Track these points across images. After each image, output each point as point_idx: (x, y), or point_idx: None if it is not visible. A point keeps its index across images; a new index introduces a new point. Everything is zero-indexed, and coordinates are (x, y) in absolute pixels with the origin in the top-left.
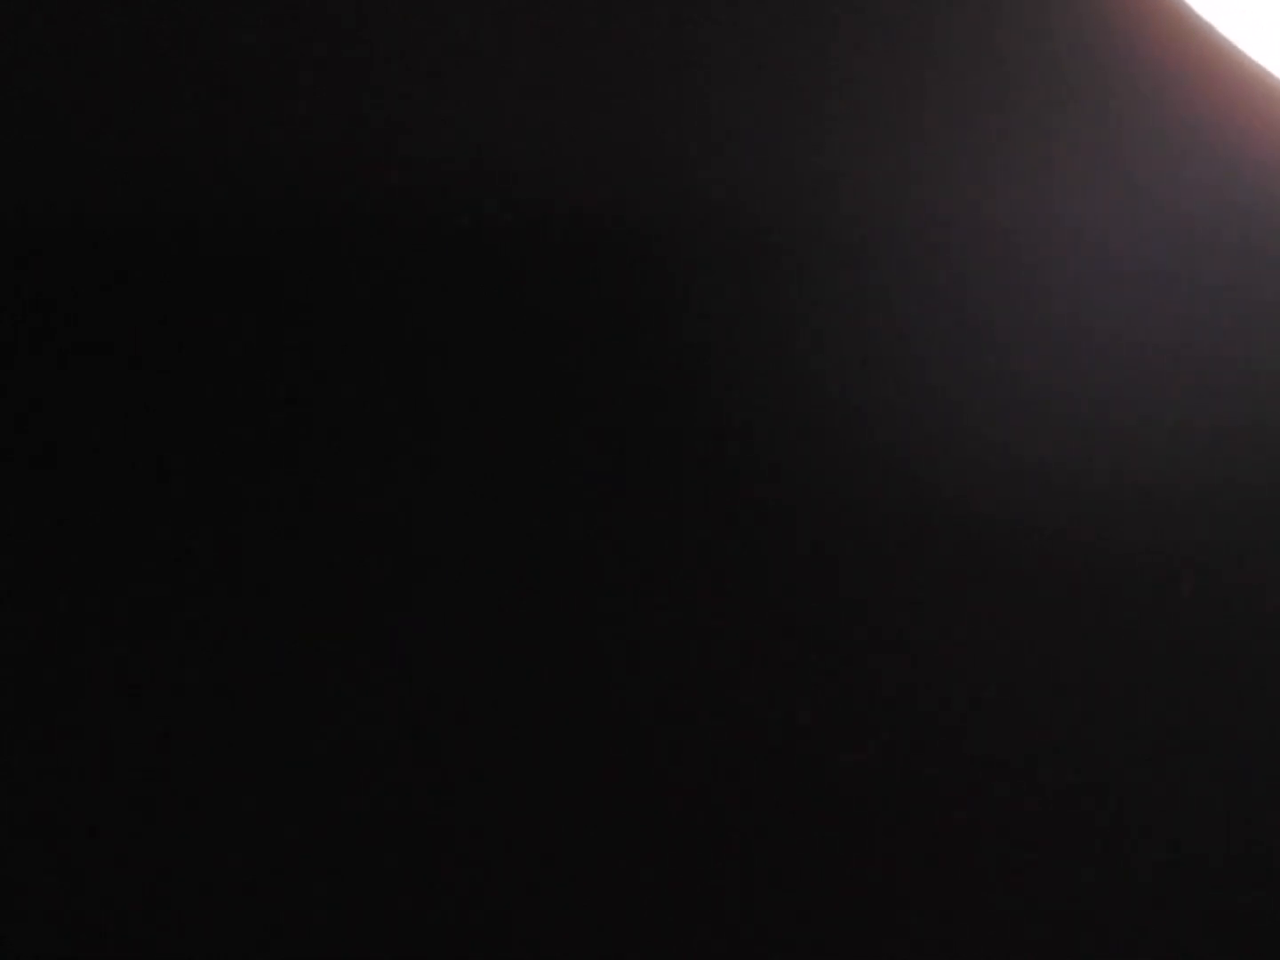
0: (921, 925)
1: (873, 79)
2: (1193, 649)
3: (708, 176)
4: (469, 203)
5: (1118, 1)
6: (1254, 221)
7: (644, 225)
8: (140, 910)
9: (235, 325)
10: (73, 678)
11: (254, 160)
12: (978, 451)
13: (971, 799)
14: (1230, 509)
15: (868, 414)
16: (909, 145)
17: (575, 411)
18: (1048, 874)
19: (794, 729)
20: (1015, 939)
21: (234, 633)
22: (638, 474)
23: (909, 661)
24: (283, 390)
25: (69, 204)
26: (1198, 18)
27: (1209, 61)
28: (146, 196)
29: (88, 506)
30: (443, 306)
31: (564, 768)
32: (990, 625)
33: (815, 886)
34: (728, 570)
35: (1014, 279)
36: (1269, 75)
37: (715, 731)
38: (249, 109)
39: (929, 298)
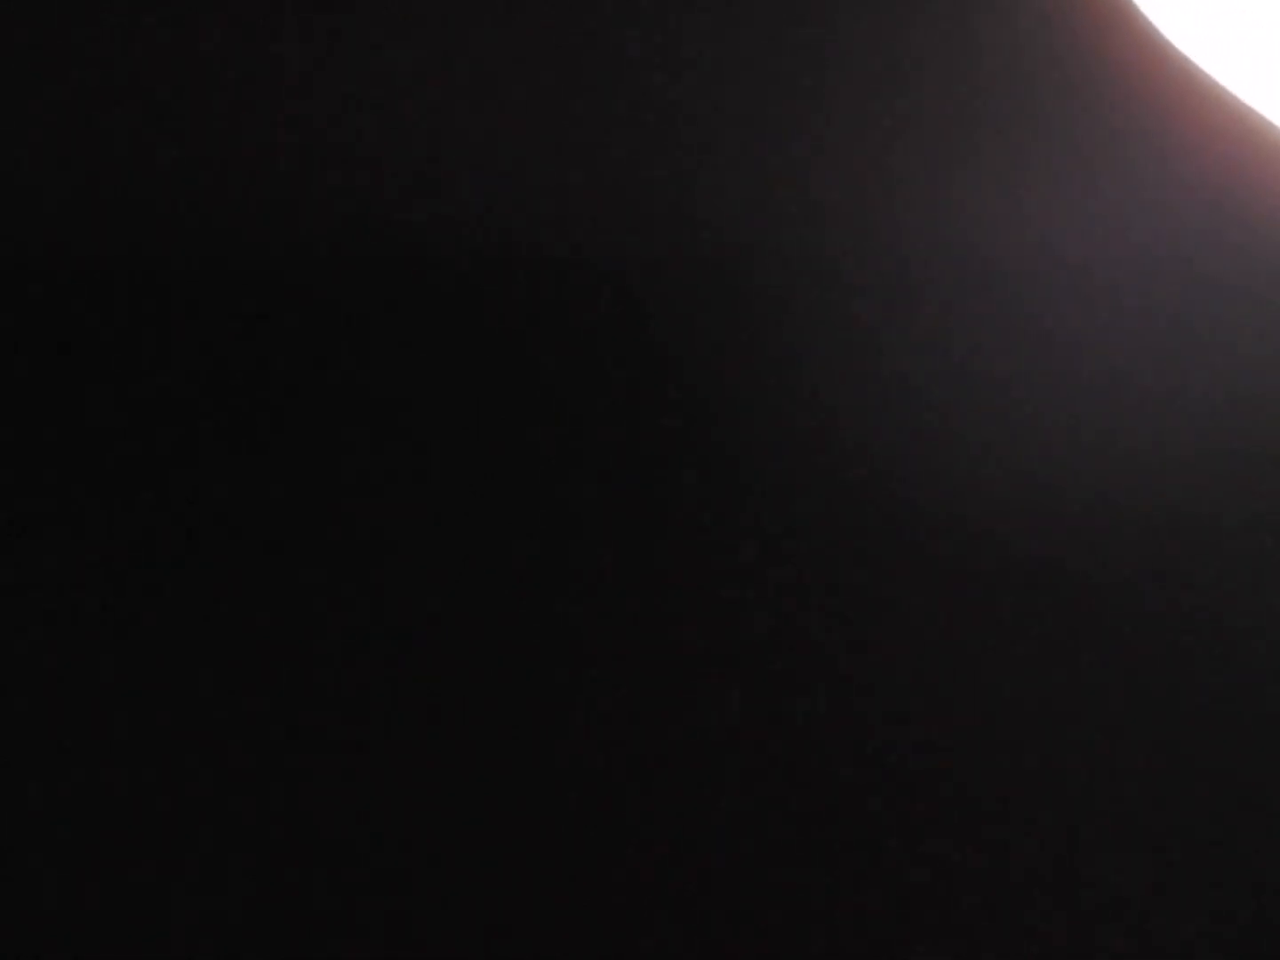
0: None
1: (855, 114)
2: (1181, 667)
3: (693, 212)
4: (466, 240)
5: (1095, 39)
6: (1229, 248)
7: (636, 260)
8: (138, 911)
9: (235, 357)
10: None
11: (262, 198)
12: (968, 474)
13: (964, 808)
14: (1219, 531)
15: (857, 438)
16: (894, 182)
17: (569, 439)
18: (1043, 881)
19: (785, 741)
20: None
21: (226, 639)
22: (631, 502)
23: (905, 681)
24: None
25: (68, 234)
26: (1173, 48)
27: (1184, 93)
28: (151, 228)
29: (81, 519)
30: (439, 338)
31: (549, 787)
32: (982, 641)
33: (799, 904)
34: (722, 593)
35: (998, 307)
36: (1245, 107)
37: (708, 749)
38: (253, 150)
39: (913, 324)
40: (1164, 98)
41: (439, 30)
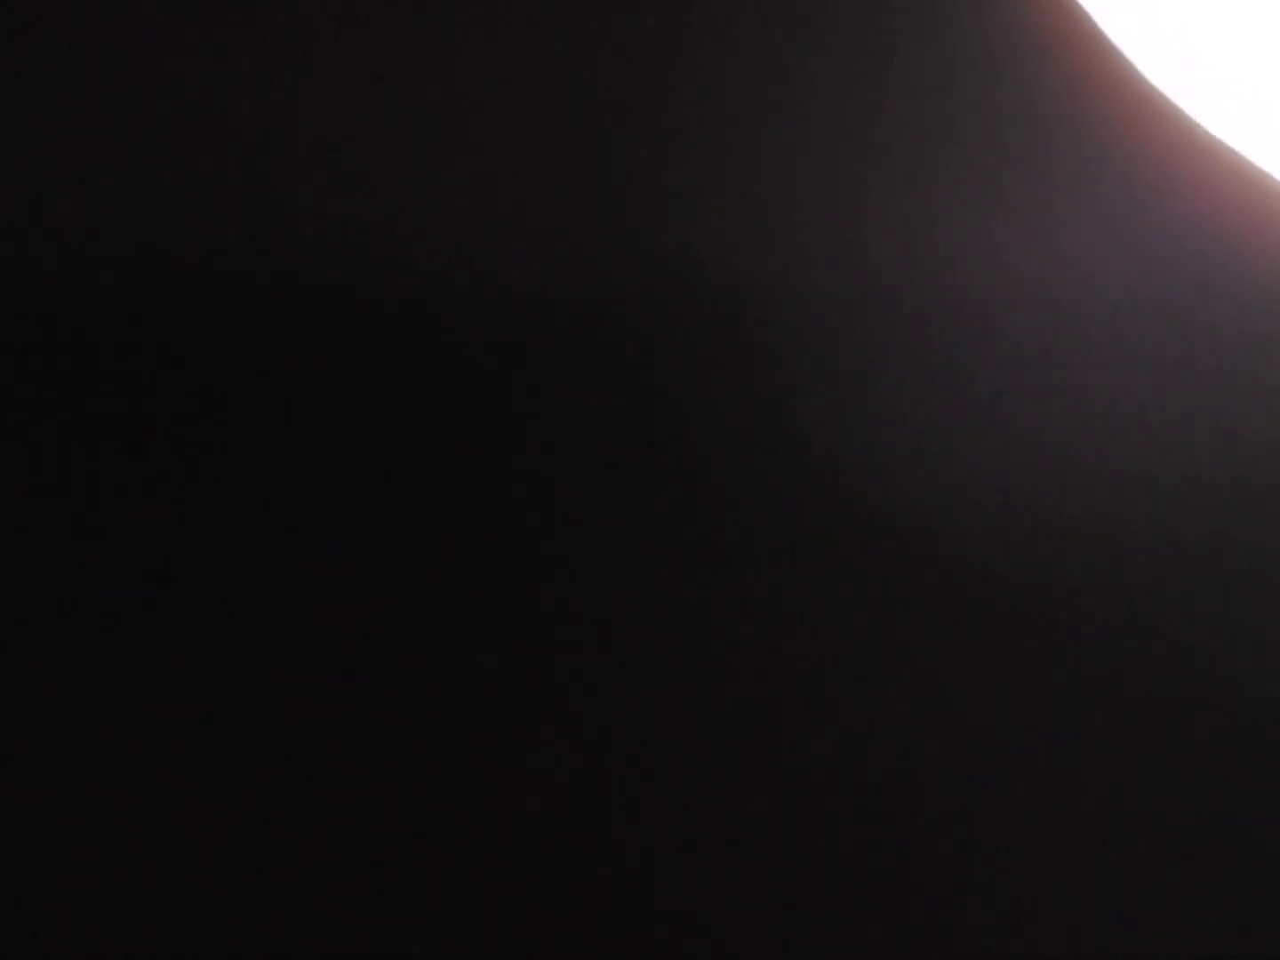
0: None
1: (836, 155)
2: (1171, 686)
3: (680, 255)
4: (450, 289)
5: (1072, 73)
6: (1209, 290)
7: (623, 305)
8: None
9: (226, 406)
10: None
11: (248, 249)
12: (952, 497)
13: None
14: (1202, 554)
15: (841, 460)
16: (878, 221)
17: (560, 484)
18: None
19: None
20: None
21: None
22: (621, 530)
23: (897, 710)
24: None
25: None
26: (1150, 85)
27: (1156, 124)
28: (135, 278)
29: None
30: (429, 387)
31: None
32: (980, 662)
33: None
34: (718, 636)
35: (983, 342)
36: (1225, 146)
37: (696, 772)
38: (239, 199)
39: (900, 360)
40: (1138, 130)
41: (415, 61)
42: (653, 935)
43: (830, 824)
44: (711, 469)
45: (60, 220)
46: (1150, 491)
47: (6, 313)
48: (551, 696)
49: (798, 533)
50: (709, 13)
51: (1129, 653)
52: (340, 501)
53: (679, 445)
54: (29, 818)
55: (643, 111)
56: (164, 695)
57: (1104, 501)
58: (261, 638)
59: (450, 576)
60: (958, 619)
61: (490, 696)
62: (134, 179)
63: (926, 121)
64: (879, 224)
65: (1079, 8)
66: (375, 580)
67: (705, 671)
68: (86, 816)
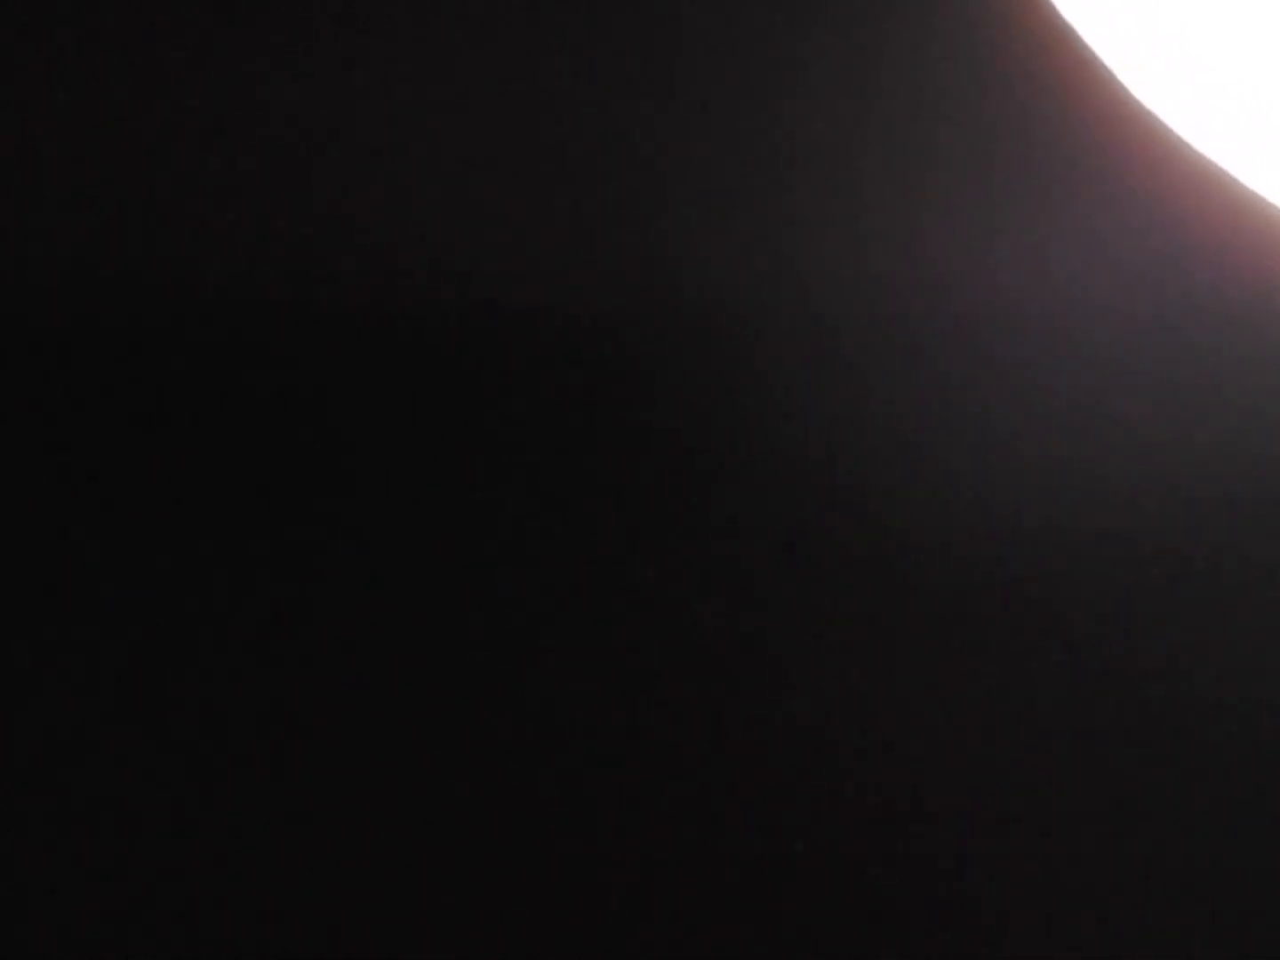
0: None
1: (828, 170)
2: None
3: (676, 273)
4: (445, 304)
5: (1063, 95)
6: (1198, 305)
7: (619, 322)
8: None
9: (224, 431)
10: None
11: (245, 269)
12: (952, 518)
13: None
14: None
15: (847, 494)
16: (868, 236)
17: (557, 502)
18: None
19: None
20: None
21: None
22: (619, 557)
23: (894, 729)
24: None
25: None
26: (1140, 105)
27: (1153, 151)
28: (134, 302)
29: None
30: (421, 405)
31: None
32: (965, 678)
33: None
34: (716, 652)
35: (974, 356)
36: (1211, 163)
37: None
38: (239, 217)
39: (890, 374)
40: (1125, 148)
41: (411, 66)
42: (652, 935)
43: (828, 826)
44: (705, 483)
45: (57, 223)
46: (1138, 504)
47: (7, 315)
48: (550, 703)
49: (793, 546)
50: (703, 28)
51: (1121, 665)
52: (334, 511)
53: (673, 458)
54: (28, 817)
55: (635, 128)
56: (163, 695)
57: (1090, 513)
58: (261, 650)
59: (445, 584)
60: (955, 631)
61: (489, 709)
62: (124, 182)
63: (917, 139)
64: (869, 239)
65: (1067, 26)
66: (370, 586)
67: (703, 680)
68: (85, 816)
